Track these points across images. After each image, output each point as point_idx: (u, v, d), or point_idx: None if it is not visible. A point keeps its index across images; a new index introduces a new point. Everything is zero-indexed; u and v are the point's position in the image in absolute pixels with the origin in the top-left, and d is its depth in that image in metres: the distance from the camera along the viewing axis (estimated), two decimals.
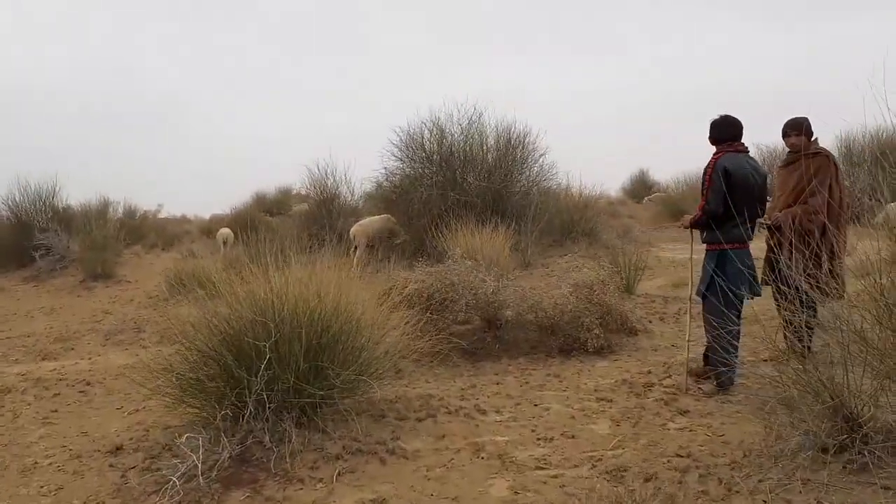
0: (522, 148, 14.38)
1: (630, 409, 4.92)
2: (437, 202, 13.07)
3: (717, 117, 5.15)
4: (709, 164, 5.00)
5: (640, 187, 32.27)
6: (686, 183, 24.55)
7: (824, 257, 5.62)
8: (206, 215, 30.49)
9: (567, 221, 13.56)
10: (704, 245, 5.20)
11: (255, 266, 4.85)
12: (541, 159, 14.40)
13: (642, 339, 7.06)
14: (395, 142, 14.15)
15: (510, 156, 14.18)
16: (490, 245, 10.24)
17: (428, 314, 6.47)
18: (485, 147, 14.32)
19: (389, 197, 14.42)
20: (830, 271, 5.64)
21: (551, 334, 6.59)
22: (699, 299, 5.27)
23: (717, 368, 5.05)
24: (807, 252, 5.78)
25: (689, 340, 5.46)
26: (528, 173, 14.37)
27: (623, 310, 7.02)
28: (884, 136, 22.00)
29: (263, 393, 4.15)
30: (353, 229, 13.60)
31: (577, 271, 7.40)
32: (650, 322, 7.65)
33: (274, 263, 4.82)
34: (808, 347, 5.89)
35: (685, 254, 14.20)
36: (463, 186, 13.33)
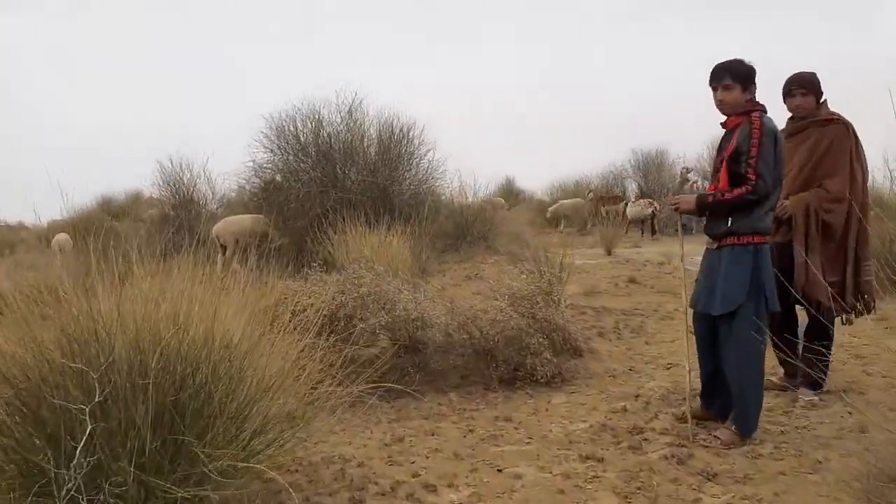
0: (407, 142, 12.85)
1: (634, 473, 3.45)
2: (317, 200, 11.29)
3: (739, 59, 3.77)
4: (752, 124, 3.59)
5: (508, 195, 31.56)
6: (562, 189, 23.87)
7: (849, 261, 4.41)
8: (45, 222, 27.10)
9: (461, 224, 12.12)
10: (713, 239, 3.77)
11: (80, 280, 3.02)
12: (428, 155, 12.92)
13: (590, 361, 5.67)
14: (264, 131, 12.23)
15: (394, 150, 12.61)
16: (386, 250, 8.65)
17: (330, 336, 4.79)
18: (366, 140, 12.68)
19: (260, 194, 12.46)
20: (856, 279, 4.44)
21: (489, 360, 5.06)
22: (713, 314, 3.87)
23: (745, 411, 3.68)
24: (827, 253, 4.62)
25: (689, 371, 4.06)
26: (414, 170, 12.86)
27: (567, 326, 5.60)
28: None
29: (82, 495, 2.36)
30: (216, 228, 11.58)
31: (510, 277, 5.91)
32: (590, 339, 6.28)
33: (105, 275, 3.01)
34: (823, 380, 4.71)
35: (583, 259, 13.15)
36: (345, 183, 11.63)
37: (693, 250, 15.16)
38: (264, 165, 12.32)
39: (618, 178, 23.05)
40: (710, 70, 3.69)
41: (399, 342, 5.19)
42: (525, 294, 5.43)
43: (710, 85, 3.70)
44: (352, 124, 12.25)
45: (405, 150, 12.79)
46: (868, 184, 4.54)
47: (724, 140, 3.70)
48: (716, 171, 3.73)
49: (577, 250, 15.26)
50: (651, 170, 22.42)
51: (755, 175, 3.49)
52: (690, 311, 4.10)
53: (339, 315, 4.91)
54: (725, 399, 3.86)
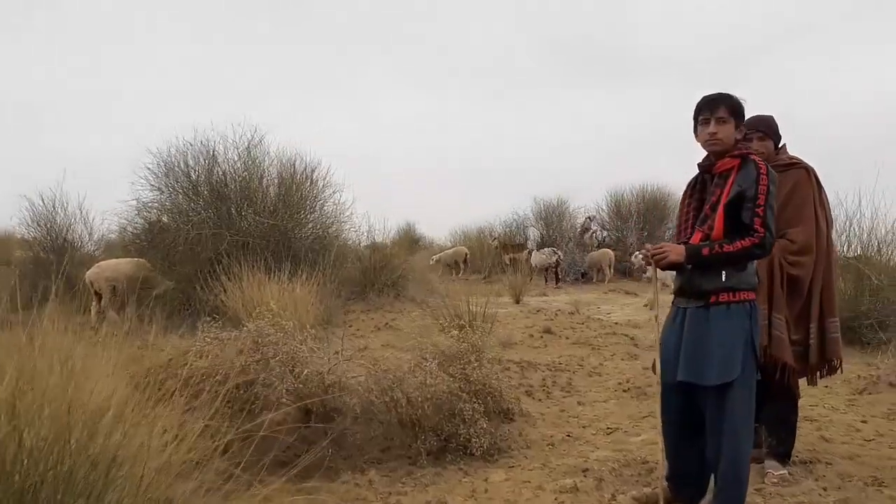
0: (310, 183, 12.09)
1: None
2: (210, 244, 10.32)
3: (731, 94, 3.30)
4: (759, 169, 3.09)
5: (408, 241, 31.07)
6: (464, 236, 23.53)
7: (814, 318, 3.99)
8: None
9: (369, 270, 11.38)
10: (697, 296, 3.16)
11: None
12: (333, 197, 12.19)
13: (524, 425, 5.05)
14: (150, 166, 11.19)
15: (296, 191, 11.82)
16: (288, 299, 7.83)
17: (226, 406, 3.99)
18: (266, 180, 11.84)
19: (143, 236, 11.36)
20: (821, 338, 4.03)
21: (416, 430, 4.34)
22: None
23: (736, 498, 3.10)
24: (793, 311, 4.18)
25: (663, 450, 3.48)
26: (318, 213, 12.09)
27: (500, 388, 4.97)
28: (648, 192, 22.71)
29: None
30: (89, 274, 10.41)
31: (438, 333, 5.24)
32: (519, 399, 5.67)
33: None
34: (789, 454, 4.26)
35: (493, 308, 12.63)
36: (241, 225, 10.73)
37: (589, 300, 15.03)
38: (149, 204, 11.26)
39: (520, 226, 22.91)
40: (701, 100, 3.20)
41: (310, 410, 4.41)
42: (456, 353, 4.78)
43: (701, 115, 3.18)
44: (250, 163, 11.39)
45: (308, 192, 12.03)
46: (833, 233, 4.17)
47: (715, 184, 3.17)
48: (696, 219, 3.21)
49: (485, 297, 14.79)
50: (553, 218, 22.40)
51: (763, 226, 3.00)
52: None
53: (240, 382, 4.10)
54: (699, 482, 3.31)
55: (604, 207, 22.60)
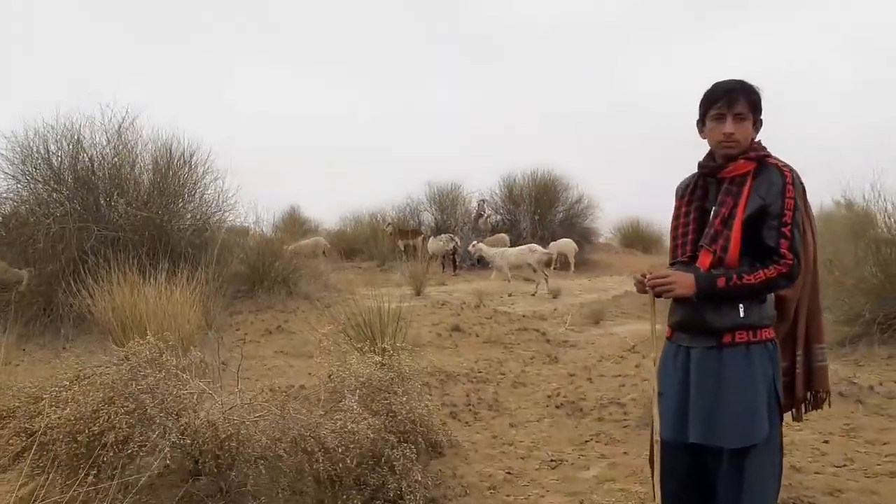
0: (189, 168, 10.88)
1: None
2: (74, 239, 9.01)
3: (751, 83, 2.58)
4: (784, 177, 2.42)
5: (294, 223, 29.70)
6: (355, 220, 22.56)
7: (800, 343, 3.42)
8: None
9: (257, 266, 10.31)
10: (707, 334, 2.46)
11: None
12: (214, 185, 11.03)
13: (455, 460, 4.32)
14: (3, 152, 9.69)
15: (173, 178, 10.60)
16: (168, 306, 6.77)
17: (89, 473, 3.06)
18: (139, 166, 10.55)
19: None
20: (808, 366, 3.47)
21: (335, 488, 3.51)
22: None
23: None
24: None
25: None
26: (198, 202, 10.90)
27: (430, 419, 4.22)
28: (540, 176, 22.45)
29: None
30: None
31: (357, 362, 4.37)
32: (445, 424, 4.94)
33: None
34: None
35: (394, 302, 11.85)
36: (111, 218, 9.45)
37: (490, 289, 14.52)
38: (3, 195, 9.76)
39: (414, 210, 22.15)
40: (714, 89, 2.48)
41: (200, 464, 3.51)
42: (380, 384, 3.98)
43: (714, 109, 2.47)
44: (121, 147, 10.07)
45: (187, 179, 10.82)
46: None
47: (724, 192, 2.48)
48: (697, 232, 2.52)
49: (384, 289, 13.98)
50: (447, 203, 21.76)
51: (791, 251, 2.37)
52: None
53: (108, 440, 3.14)
54: None
55: (497, 192, 22.18)
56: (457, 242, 17.21)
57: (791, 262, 2.36)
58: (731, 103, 2.43)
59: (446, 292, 13.54)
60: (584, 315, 10.34)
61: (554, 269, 18.41)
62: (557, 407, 5.39)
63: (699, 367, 2.47)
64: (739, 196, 2.43)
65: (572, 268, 18.30)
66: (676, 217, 2.65)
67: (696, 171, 2.64)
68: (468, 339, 8.65)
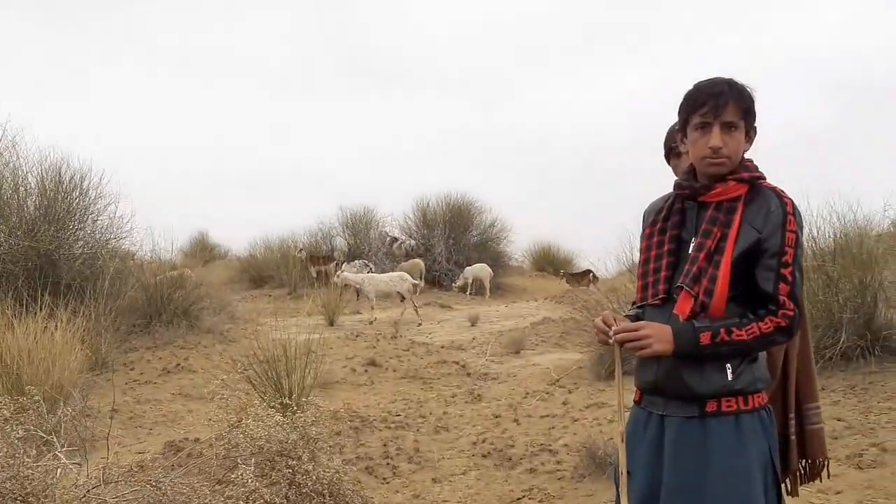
0: (81, 194, 9.88)
1: None
2: None
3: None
4: (784, 205, 1.90)
5: (202, 249, 28.34)
6: (265, 246, 21.52)
7: (791, 405, 2.93)
8: None
9: (155, 297, 9.37)
10: (683, 400, 1.91)
11: None
12: (108, 210, 10.04)
13: None
14: None
15: (62, 204, 9.58)
16: (45, 344, 5.88)
17: None
18: (23, 190, 9.49)
19: None
20: (801, 430, 2.99)
21: None
22: None
23: None
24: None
25: None
26: (90, 229, 9.89)
27: (341, 486, 3.56)
28: (453, 200, 22.01)
29: None
30: None
31: (255, 419, 3.67)
32: (361, 484, 4.29)
33: None
34: None
35: (305, 332, 11.08)
36: None
37: (406, 317, 13.93)
38: None
39: (326, 235, 21.30)
40: (697, 91, 1.94)
41: None
42: (282, 448, 3.32)
43: (698, 116, 1.92)
44: (1, 167, 9.02)
45: (78, 205, 9.81)
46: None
47: (709, 220, 1.94)
48: (672, 267, 1.99)
49: (294, 319, 13.17)
50: (360, 227, 21.03)
51: (792, 299, 1.86)
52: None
53: None
54: None
55: (410, 216, 21.60)
56: (371, 269, 16.54)
57: (791, 313, 1.85)
58: (719, 109, 1.89)
59: (360, 321, 12.85)
60: (503, 344, 9.86)
61: (470, 294, 17.98)
62: (484, 456, 4.82)
63: (677, 443, 1.92)
64: (729, 226, 1.90)
65: (488, 293, 17.91)
66: (646, 248, 2.09)
67: (670, 192, 2.10)
68: (385, 374, 8.03)
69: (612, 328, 1.95)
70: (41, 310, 6.73)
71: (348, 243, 20.84)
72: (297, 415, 3.68)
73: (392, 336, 10.28)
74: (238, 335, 9.74)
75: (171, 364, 8.14)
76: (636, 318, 2.05)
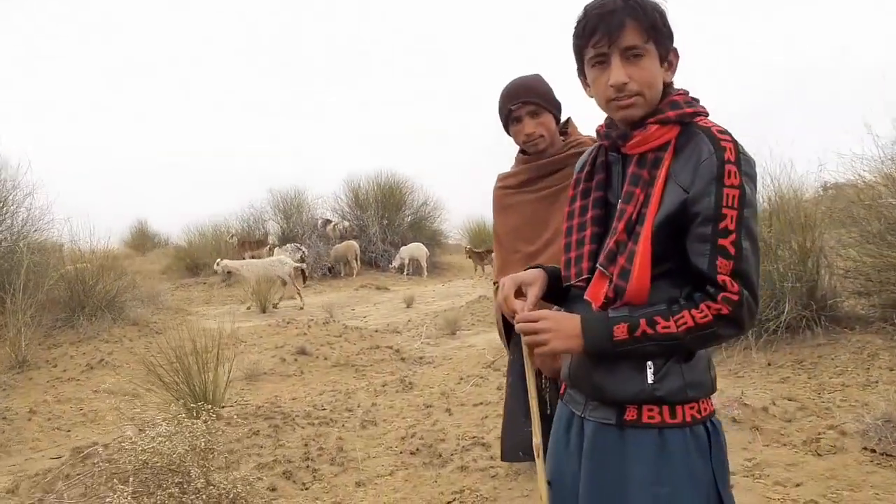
0: None
1: None
2: None
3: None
4: (721, 153, 1.40)
5: (142, 239, 27.35)
6: (199, 232, 20.72)
7: None
8: None
9: (78, 291, 8.76)
10: (599, 402, 1.54)
11: None
12: (27, 201, 9.38)
13: None
14: None
15: None
16: None
17: None
18: None
19: None
20: None
21: None
22: None
23: None
24: None
25: None
26: (10, 221, 9.21)
27: (246, 496, 3.23)
28: (384, 179, 21.52)
29: None
30: None
31: (141, 438, 3.28)
32: (278, 494, 3.96)
33: None
34: None
35: (237, 321, 10.60)
36: None
37: (341, 300, 13.56)
38: None
39: (258, 220, 20.63)
40: (585, 17, 1.49)
41: None
42: (168, 463, 2.96)
43: (594, 49, 1.49)
44: None
45: None
46: None
47: (631, 178, 1.52)
48: (592, 236, 1.59)
49: (226, 307, 12.66)
50: (292, 210, 20.42)
51: (738, 278, 1.41)
52: None
53: None
54: None
55: (342, 197, 21.08)
56: (304, 252, 16.04)
57: (736, 297, 1.40)
58: (613, 33, 1.45)
59: (294, 307, 12.42)
60: (438, 326, 9.60)
61: (407, 275, 17.67)
62: (413, 453, 4.51)
63: (592, 453, 1.56)
64: (652, 185, 1.48)
65: (425, 273, 17.62)
66: (569, 215, 1.67)
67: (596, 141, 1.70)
68: (315, 363, 7.67)
69: (517, 312, 1.59)
70: None
71: (281, 227, 20.24)
72: (201, 418, 3.31)
73: (325, 322, 9.90)
74: (166, 326, 9.22)
75: (95, 360, 7.61)
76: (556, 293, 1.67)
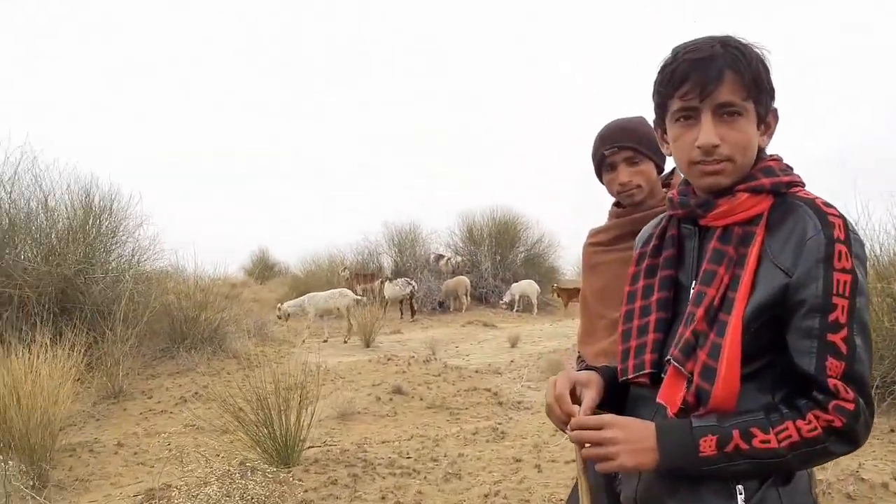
0: (110, 216, 9.57)
1: None
2: None
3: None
4: (830, 230, 1.11)
5: (263, 268, 28.46)
6: (315, 263, 21.18)
7: None
8: None
9: (180, 321, 8.94)
10: None
11: None
12: (137, 232, 9.72)
13: None
14: None
15: (93, 227, 9.27)
16: (36, 377, 5.40)
17: None
18: (56, 213, 9.21)
19: None
20: None
21: None
22: None
23: None
24: None
25: None
26: (118, 251, 9.56)
27: None
28: (499, 215, 21.25)
29: None
30: None
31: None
32: None
33: None
34: None
35: (338, 356, 10.51)
36: (8, 271, 8.06)
37: (446, 336, 13.23)
38: None
39: (373, 253, 20.83)
40: (675, 63, 1.19)
41: None
42: None
43: (681, 101, 1.20)
44: (18, 192, 8.74)
45: (108, 228, 9.50)
46: None
47: (713, 256, 1.21)
48: (659, 321, 1.28)
49: (329, 342, 12.64)
50: (406, 244, 20.48)
51: (850, 382, 1.09)
52: None
53: None
54: None
55: (456, 232, 20.96)
56: (413, 287, 15.94)
57: (852, 405, 1.09)
58: (710, 86, 1.17)
59: (399, 342, 12.24)
60: (541, 368, 9.09)
61: (517, 311, 17.23)
62: None
63: None
64: (741, 265, 1.18)
65: (535, 310, 17.11)
66: (629, 297, 1.38)
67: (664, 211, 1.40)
68: (410, 403, 7.36)
69: (573, 416, 1.24)
70: (57, 337, 6.38)
71: (395, 261, 20.32)
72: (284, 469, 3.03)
73: (425, 360, 9.60)
74: (267, 359, 9.22)
75: (190, 392, 7.66)
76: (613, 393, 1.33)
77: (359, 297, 13.49)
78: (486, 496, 4.38)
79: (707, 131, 1.18)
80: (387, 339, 12.52)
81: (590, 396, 1.26)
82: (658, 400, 1.21)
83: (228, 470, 4.28)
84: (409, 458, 5.20)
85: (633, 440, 1.16)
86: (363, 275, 18.23)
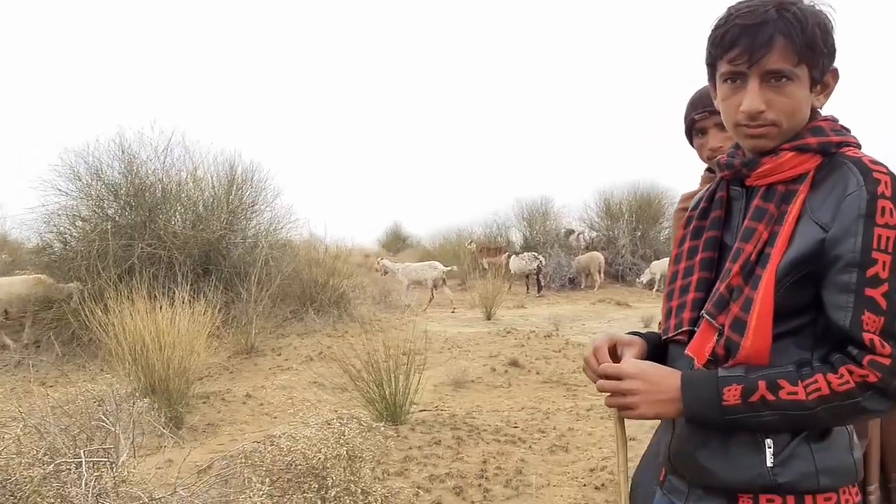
0: (251, 187, 10.17)
1: None
2: (117, 257, 8.36)
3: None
4: (873, 187, 1.08)
5: (396, 240, 29.32)
6: (444, 238, 21.51)
7: (873, 476, 1.99)
8: None
9: (309, 285, 9.41)
10: (704, 491, 1.20)
11: None
12: (274, 202, 10.28)
13: None
14: (59, 168, 9.18)
15: (235, 196, 9.90)
16: (177, 330, 5.87)
17: None
18: (203, 184, 9.90)
19: (48, 249, 9.44)
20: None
21: None
22: None
23: None
24: None
25: None
26: (257, 220, 10.17)
27: None
28: (640, 191, 20.62)
29: None
30: None
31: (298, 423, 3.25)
32: None
33: None
34: None
35: (458, 326, 10.67)
36: (160, 234, 8.75)
37: (573, 313, 13.07)
38: (58, 212, 9.24)
39: (501, 227, 20.88)
40: (727, 25, 1.16)
41: None
42: (309, 467, 2.83)
43: (730, 65, 1.17)
44: (170, 163, 9.45)
45: (248, 198, 10.12)
46: None
47: (754, 213, 1.20)
48: (704, 287, 1.25)
49: (456, 312, 12.84)
50: (536, 218, 20.34)
51: (889, 337, 1.06)
52: None
53: None
54: None
55: (592, 206, 20.51)
56: (541, 262, 15.82)
57: (889, 360, 1.06)
58: (758, 52, 1.13)
59: (522, 316, 12.23)
60: None
61: (656, 291, 16.72)
62: (598, 488, 4.03)
63: None
64: (780, 222, 1.16)
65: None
66: (675, 259, 1.36)
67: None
68: (525, 376, 7.37)
69: (600, 366, 1.26)
70: (198, 295, 6.90)
71: (524, 235, 20.26)
72: (349, 426, 3.17)
73: (546, 335, 9.56)
74: (389, 325, 9.52)
75: (315, 352, 8.05)
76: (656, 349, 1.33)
77: (448, 268, 13.80)
78: (592, 470, 4.34)
79: (752, 97, 1.15)
80: (508, 313, 12.55)
81: (630, 355, 1.27)
82: (686, 352, 1.21)
83: (333, 419, 4.49)
84: (516, 427, 5.24)
85: (653, 391, 1.17)
86: (489, 248, 18.32)
